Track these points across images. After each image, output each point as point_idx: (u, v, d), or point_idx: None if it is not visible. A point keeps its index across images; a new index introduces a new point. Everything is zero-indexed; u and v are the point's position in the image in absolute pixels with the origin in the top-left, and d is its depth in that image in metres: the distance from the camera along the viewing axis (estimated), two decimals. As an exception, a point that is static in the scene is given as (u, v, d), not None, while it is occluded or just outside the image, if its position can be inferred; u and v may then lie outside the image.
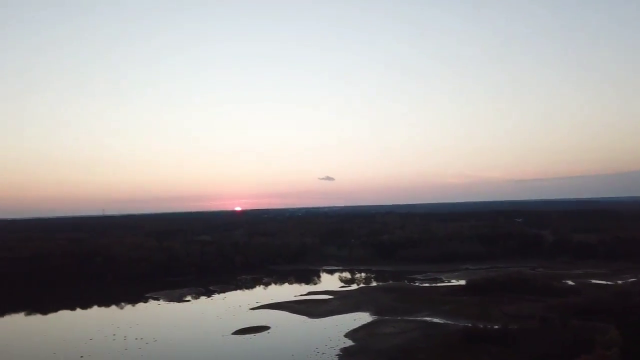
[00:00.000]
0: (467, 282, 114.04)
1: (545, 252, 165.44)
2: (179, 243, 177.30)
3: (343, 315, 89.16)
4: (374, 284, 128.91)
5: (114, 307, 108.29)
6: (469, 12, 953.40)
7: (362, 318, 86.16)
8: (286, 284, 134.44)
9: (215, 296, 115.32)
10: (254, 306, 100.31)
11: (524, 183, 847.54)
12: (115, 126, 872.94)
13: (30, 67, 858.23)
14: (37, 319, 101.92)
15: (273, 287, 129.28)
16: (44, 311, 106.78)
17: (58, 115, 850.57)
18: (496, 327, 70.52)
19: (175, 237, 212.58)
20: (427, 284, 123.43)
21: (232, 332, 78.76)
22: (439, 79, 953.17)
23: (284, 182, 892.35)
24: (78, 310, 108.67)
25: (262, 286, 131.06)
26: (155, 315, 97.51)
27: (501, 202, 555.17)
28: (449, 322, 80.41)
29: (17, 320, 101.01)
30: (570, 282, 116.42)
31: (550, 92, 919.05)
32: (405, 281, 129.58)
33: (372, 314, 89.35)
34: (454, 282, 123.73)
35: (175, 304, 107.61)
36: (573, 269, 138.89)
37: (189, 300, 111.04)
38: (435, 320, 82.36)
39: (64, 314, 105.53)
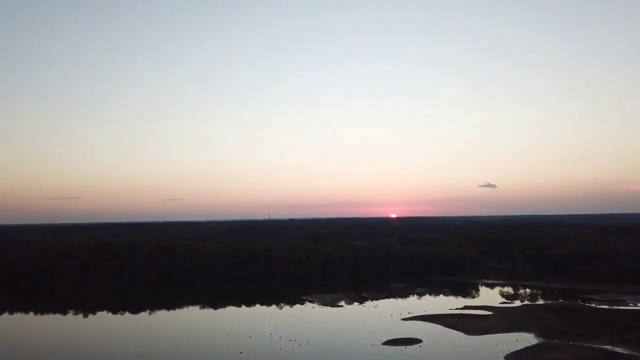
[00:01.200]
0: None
1: None
2: (334, 247, 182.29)
3: (503, 334, 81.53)
4: (540, 301, 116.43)
5: (272, 307, 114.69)
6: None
7: (525, 339, 77.75)
8: (441, 296, 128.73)
9: (368, 303, 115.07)
10: (406, 316, 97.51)
11: None
12: (280, 137, 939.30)
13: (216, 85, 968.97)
14: (209, 313, 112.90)
15: (427, 298, 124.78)
16: (215, 306, 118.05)
17: (230, 129, 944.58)
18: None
19: (331, 241, 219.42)
20: (606, 306, 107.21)
21: (382, 342, 77.08)
22: (624, 69, 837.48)
23: (441, 189, 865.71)
24: (243, 307, 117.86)
25: (415, 296, 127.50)
26: (309, 318, 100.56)
27: None
28: (636, 354, 68.21)
29: (192, 314, 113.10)
30: None
31: None
32: (579, 301, 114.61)
33: (537, 335, 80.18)
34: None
35: (329, 308, 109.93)
36: None
37: (341, 306, 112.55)
38: (618, 350, 70.53)
39: (230, 310, 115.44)
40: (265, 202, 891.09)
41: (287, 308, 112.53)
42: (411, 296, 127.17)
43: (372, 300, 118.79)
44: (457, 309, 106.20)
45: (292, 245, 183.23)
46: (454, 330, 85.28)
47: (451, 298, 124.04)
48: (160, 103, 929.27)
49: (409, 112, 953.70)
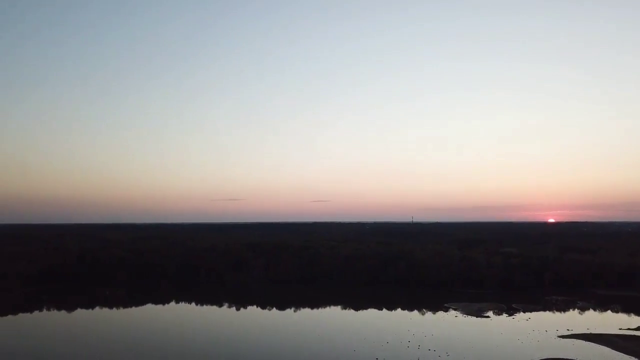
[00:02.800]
0: None
1: None
2: (481, 253, 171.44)
3: (691, 365, 67.96)
4: None
5: (413, 312, 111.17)
6: None
7: None
8: (608, 312, 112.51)
9: (518, 315, 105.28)
10: (564, 334, 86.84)
11: None
12: (425, 138, 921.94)
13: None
14: (349, 314, 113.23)
15: (590, 314, 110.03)
16: (356, 308, 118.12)
17: (374, 132, 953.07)
18: None
19: (478, 247, 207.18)
20: None
21: (534, 360, 69.48)
22: None
23: (608, 192, 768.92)
24: (384, 310, 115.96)
25: (575, 311, 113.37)
26: (450, 327, 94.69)
27: None
28: None
29: (333, 314, 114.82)
30: None
31: None
32: None
33: None
34: None
35: (473, 318, 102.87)
36: None
37: (488, 316, 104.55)
38: None
39: (370, 313, 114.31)
40: (409, 205, 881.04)
41: (428, 315, 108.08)
42: (571, 311, 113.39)
43: (523, 312, 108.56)
44: (629, 329, 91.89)
45: (435, 249, 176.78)
46: (624, 355, 73.56)
47: (622, 316, 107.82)
48: (311, 112, 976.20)
49: (569, 108, 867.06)
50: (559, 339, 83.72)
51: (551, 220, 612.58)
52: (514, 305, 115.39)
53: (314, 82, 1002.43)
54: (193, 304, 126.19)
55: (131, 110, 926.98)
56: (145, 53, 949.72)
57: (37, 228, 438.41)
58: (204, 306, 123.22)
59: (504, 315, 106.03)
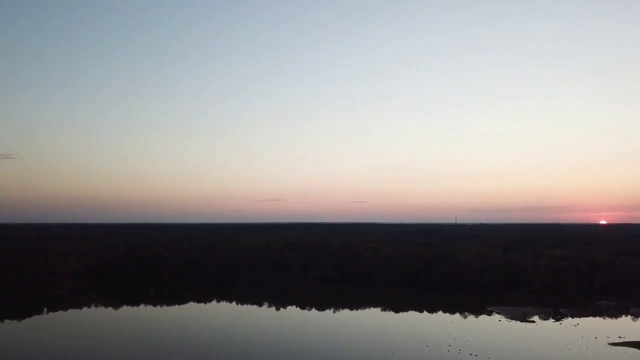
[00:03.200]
0: None
1: None
2: (527, 256, 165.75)
3: None
4: None
5: (454, 316, 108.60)
6: None
7: None
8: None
9: (566, 321, 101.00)
10: (615, 341, 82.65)
11: None
12: (468, 137, 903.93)
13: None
14: (389, 316, 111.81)
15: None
16: (396, 310, 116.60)
17: (415, 133, 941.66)
18: None
19: (524, 249, 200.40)
20: None
21: (583, 368, 66.31)
22: None
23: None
24: (424, 313, 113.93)
25: (628, 317, 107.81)
26: (493, 332, 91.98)
27: None
28: None
29: (373, 315, 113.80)
30: None
31: None
32: None
33: None
34: None
35: (518, 322, 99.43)
36: None
37: (533, 321, 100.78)
38: None
39: (410, 315, 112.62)
40: (452, 206, 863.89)
41: (470, 319, 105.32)
42: (623, 317, 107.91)
43: (571, 317, 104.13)
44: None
45: (478, 251, 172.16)
46: (682, 365, 69.23)
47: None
48: (351, 113, 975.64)
49: (622, 104, 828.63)
50: (609, 346, 79.78)
51: (603, 222, 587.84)
52: (561, 310, 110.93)
53: (354, 82, 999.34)
54: (234, 303, 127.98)
55: (174, 114, 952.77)
56: (171, 56, 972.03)
57: (87, 227, 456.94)
58: (244, 305, 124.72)
59: (551, 320, 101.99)
